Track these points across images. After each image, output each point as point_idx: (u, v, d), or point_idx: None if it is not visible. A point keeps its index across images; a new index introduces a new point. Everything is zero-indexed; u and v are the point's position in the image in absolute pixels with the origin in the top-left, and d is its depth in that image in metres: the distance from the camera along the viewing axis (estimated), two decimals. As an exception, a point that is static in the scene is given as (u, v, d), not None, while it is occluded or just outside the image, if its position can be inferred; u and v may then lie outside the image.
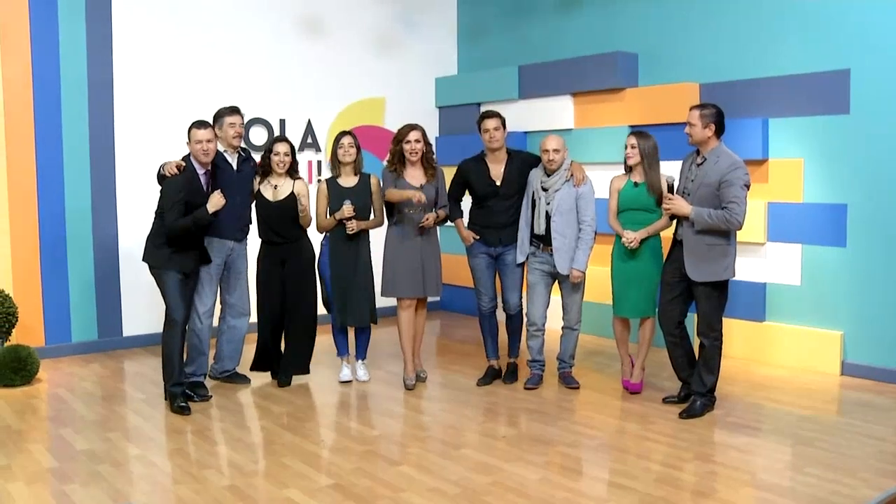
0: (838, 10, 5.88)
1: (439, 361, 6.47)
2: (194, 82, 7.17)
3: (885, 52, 5.64)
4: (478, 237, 5.62)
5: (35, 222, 6.46)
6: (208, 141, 5.07)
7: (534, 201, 5.45)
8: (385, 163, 5.77)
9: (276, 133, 7.65)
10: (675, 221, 5.06)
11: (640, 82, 7.17)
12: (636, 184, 5.26)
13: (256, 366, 5.80)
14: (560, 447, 4.46)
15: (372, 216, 5.67)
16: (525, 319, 5.65)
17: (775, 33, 6.26)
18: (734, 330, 6.29)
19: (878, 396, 5.40)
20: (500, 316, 5.84)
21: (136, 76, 6.90)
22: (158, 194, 5.13)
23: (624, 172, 5.37)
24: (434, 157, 5.65)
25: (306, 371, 5.75)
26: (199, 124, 5.12)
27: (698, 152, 4.93)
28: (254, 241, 5.72)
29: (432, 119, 8.77)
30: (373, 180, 5.66)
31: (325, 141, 7.96)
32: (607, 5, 7.45)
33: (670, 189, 4.91)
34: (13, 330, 5.99)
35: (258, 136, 7.55)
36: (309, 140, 7.90)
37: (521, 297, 5.74)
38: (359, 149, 5.65)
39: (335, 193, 5.57)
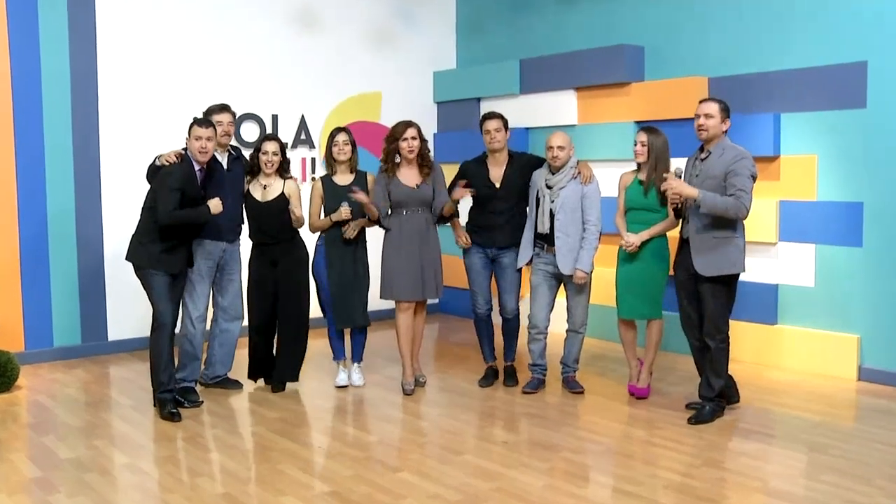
0: (854, -1, 5.94)
1: (438, 365, 6.52)
2: (184, 75, 7.21)
3: (903, 43, 5.70)
4: (468, 244, 5.69)
5: (14, 221, 6.49)
6: (208, 139, 5.11)
7: (538, 200, 5.51)
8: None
9: (269, 129, 7.69)
10: (680, 220, 5.13)
11: (647, 76, 7.22)
12: (641, 182, 5.33)
13: (252, 373, 5.83)
14: (564, 453, 4.51)
15: (367, 216, 5.71)
16: (527, 322, 5.70)
17: (788, 24, 6.32)
18: (744, 333, 6.35)
19: None
20: (497, 319, 5.88)
21: (122, 68, 6.94)
22: (150, 187, 5.17)
23: (635, 169, 5.43)
24: (430, 154, 5.71)
25: (295, 379, 5.79)
26: (202, 122, 5.17)
27: (702, 148, 5.00)
28: (247, 242, 5.77)
29: (430, 115, 8.82)
30: (369, 178, 5.72)
31: (318, 137, 8.01)
32: (613, -4, 7.52)
33: (678, 178, 4.95)
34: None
35: (249, 133, 7.59)
36: (302, 136, 7.95)
37: (518, 301, 5.80)
38: (354, 146, 5.71)
39: (330, 192, 5.63)
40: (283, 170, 5.63)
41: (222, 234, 5.50)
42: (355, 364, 5.91)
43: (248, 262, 5.71)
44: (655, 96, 6.95)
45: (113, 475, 4.25)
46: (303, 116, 7.96)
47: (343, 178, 5.68)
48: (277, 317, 5.69)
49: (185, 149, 5.19)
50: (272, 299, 5.66)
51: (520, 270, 5.73)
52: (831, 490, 3.95)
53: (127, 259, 5.22)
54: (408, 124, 5.59)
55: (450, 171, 5.85)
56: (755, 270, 6.34)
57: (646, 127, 5.37)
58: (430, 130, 8.71)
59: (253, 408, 5.43)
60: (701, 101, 5.01)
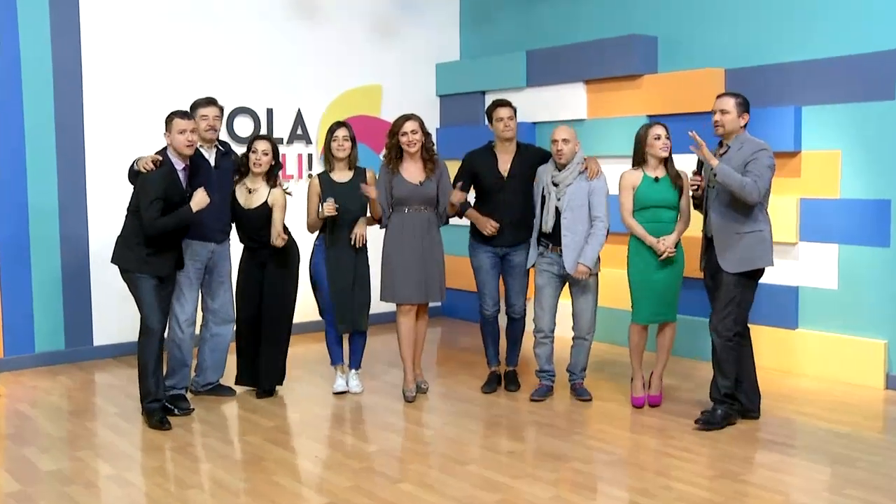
0: (880, -16, 5.93)
1: (441, 371, 6.53)
2: (173, 66, 7.20)
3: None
4: (495, 229, 5.62)
5: (-7, 221, 6.50)
6: (192, 131, 5.12)
7: (543, 198, 5.50)
8: (381, 157, 5.82)
9: (263, 124, 7.69)
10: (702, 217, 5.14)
11: (660, 68, 7.22)
12: (657, 179, 5.32)
13: (239, 379, 5.84)
14: (572, 463, 4.50)
15: (368, 213, 5.71)
16: (533, 326, 5.70)
17: (810, 11, 6.30)
18: (763, 338, 6.31)
19: (924, 411, 5.44)
20: (502, 321, 5.90)
21: (108, 58, 6.93)
22: (133, 191, 5.17)
23: (633, 167, 5.42)
24: (434, 148, 5.70)
25: (280, 381, 5.80)
26: (182, 114, 5.17)
27: (720, 144, 5.04)
28: (237, 244, 5.77)
29: (433, 108, 8.82)
30: (369, 174, 5.71)
31: (316, 132, 8.00)
32: (624, -16, 7.51)
33: (700, 165, 5.01)
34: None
35: (243, 128, 7.59)
36: (299, 131, 7.95)
37: (526, 302, 5.81)
38: (354, 142, 5.71)
39: (328, 190, 5.62)
40: (271, 175, 5.59)
41: (209, 234, 5.49)
42: (353, 371, 5.90)
43: (237, 265, 5.73)
44: (669, 89, 6.93)
45: (98, 487, 4.24)
46: (299, 110, 7.95)
47: (341, 175, 5.68)
48: (262, 320, 5.70)
49: (160, 151, 5.17)
50: (259, 302, 5.67)
51: (528, 270, 5.72)
52: (857, 504, 3.94)
53: (113, 262, 5.22)
54: (408, 117, 5.58)
55: (452, 168, 5.83)
56: (774, 272, 6.29)
57: (656, 122, 5.41)
58: (432, 125, 8.68)
59: (246, 416, 5.42)
60: (718, 96, 5.07)
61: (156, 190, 4.98)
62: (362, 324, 5.73)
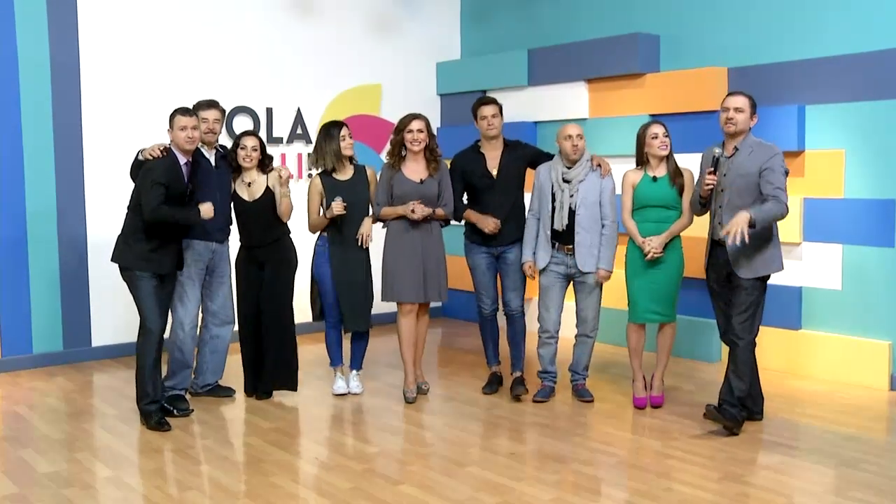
0: (885, -18, 5.93)
1: (442, 372, 6.53)
2: (172, 65, 7.22)
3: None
4: (497, 227, 5.63)
5: (-9, 221, 6.51)
6: (193, 128, 5.14)
7: (552, 195, 5.51)
8: (383, 156, 5.84)
9: (263, 123, 7.70)
10: (709, 221, 5.13)
11: (662, 67, 7.22)
12: (655, 178, 5.34)
13: (249, 390, 5.83)
14: (574, 465, 4.51)
15: (370, 211, 5.73)
16: (533, 326, 5.70)
17: (813, 9, 6.30)
18: (767, 339, 6.31)
19: (929, 413, 5.44)
20: (502, 321, 5.91)
21: (107, 57, 6.94)
22: (135, 184, 5.18)
23: (636, 167, 5.44)
24: (438, 150, 5.72)
25: (293, 388, 5.77)
26: (184, 110, 5.20)
27: (722, 144, 5.03)
28: (234, 244, 5.78)
29: (433, 108, 8.82)
30: (369, 172, 5.74)
31: (316, 132, 7.99)
32: (626, -19, 7.52)
33: (716, 162, 4.96)
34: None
35: (243, 127, 7.52)
36: (298, 131, 7.95)
37: (522, 299, 5.82)
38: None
39: (330, 189, 5.63)
40: (263, 165, 5.64)
41: (211, 233, 5.52)
42: (354, 372, 5.91)
43: (234, 265, 5.74)
44: (672, 88, 6.94)
45: (95, 489, 4.25)
46: (299, 109, 7.96)
47: (344, 174, 5.69)
48: (263, 322, 5.70)
49: (170, 143, 5.21)
50: (258, 302, 5.68)
51: (522, 266, 5.72)
52: (861, 506, 3.94)
53: (112, 260, 5.22)
54: (414, 116, 5.64)
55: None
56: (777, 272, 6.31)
57: (655, 120, 5.41)
58: (432, 124, 8.67)
59: (246, 417, 5.43)
60: (729, 94, 5.06)
61: (159, 175, 4.99)
62: (364, 323, 5.74)
